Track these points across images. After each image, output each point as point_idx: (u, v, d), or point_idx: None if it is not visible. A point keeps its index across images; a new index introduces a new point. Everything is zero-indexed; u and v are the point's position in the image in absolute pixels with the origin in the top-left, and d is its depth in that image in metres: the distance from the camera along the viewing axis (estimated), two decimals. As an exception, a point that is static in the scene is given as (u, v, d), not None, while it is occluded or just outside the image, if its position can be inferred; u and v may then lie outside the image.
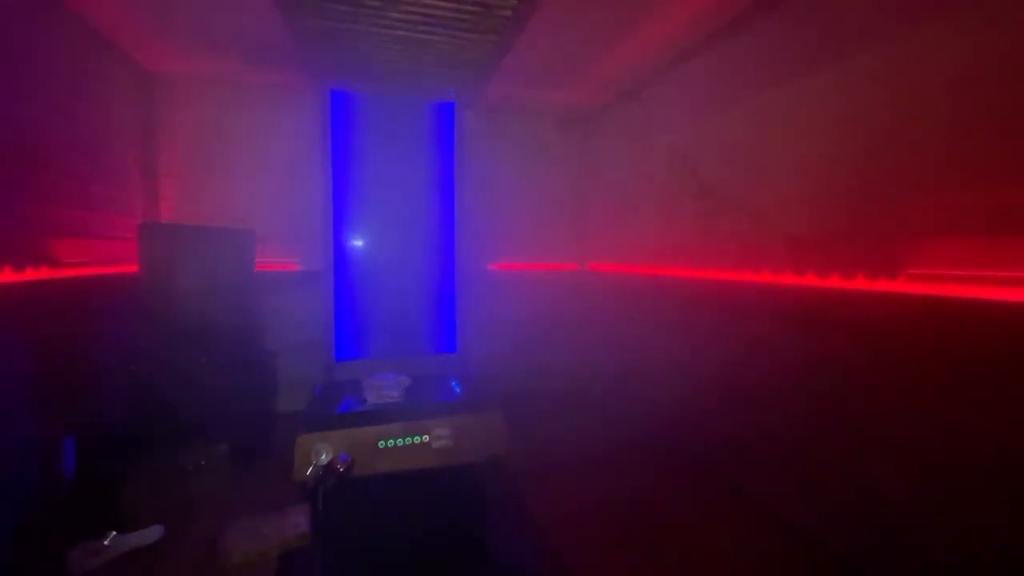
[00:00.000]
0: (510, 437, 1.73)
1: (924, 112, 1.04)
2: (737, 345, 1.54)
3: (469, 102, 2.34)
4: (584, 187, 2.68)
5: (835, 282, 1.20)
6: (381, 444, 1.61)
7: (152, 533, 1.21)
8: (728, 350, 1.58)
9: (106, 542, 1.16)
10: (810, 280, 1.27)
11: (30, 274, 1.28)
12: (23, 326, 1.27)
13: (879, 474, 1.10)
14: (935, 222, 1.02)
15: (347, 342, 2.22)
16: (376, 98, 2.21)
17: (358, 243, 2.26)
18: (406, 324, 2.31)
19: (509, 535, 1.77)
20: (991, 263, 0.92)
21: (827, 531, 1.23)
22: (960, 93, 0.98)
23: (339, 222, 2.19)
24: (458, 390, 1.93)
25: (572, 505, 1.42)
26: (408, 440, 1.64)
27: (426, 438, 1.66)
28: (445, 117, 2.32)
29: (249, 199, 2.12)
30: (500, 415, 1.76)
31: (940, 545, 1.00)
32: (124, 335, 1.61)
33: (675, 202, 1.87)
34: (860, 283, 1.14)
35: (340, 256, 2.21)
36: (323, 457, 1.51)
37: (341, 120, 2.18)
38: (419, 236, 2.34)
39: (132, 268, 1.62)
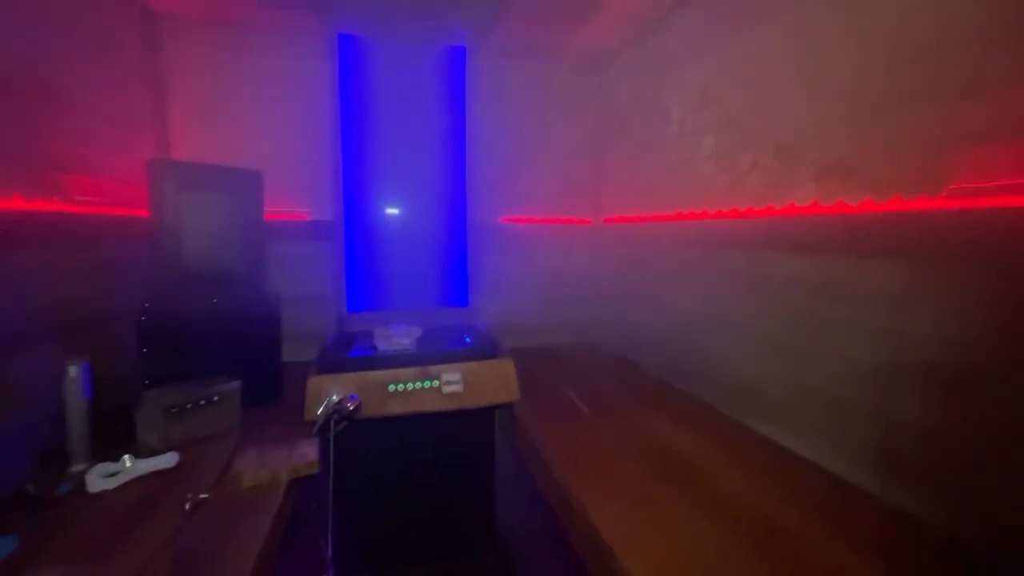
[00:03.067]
0: (520, 385, 1.72)
1: (964, 10, 0.94)
2: (763, 284, 1.47)
3: (480, 47, 2.26)
4: (599, 136, 2.58)
5: (868, 206, 1.12)
6: (391, 387, 1.62)
7: (168, 459, 1.23)
8: (753, 290, 1.51)
9: (127, 463, 1.18)
10: (840, 207, 1.18)
11: (40, 204, 1.28)
12: (37, 254, 1.30)
13: (914, 411, 1.04)
14: (984, 128, 0.93)
15: (359, 294, 2.22)
16: (384, 42, 2.14)
17: (369, 193, 2.23)
18: (418, 277, 2.29)
19: (517, 476, 1.77)
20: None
21: (855, 474, 1.18)
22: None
23: (348, 172, 2.16)
24: (469, 340, 1.92)
25: (584, 451, 1.39)
26: (418, 384, 1.64)
27: (436, 383, 1.65)
28: (456, 63, 2.24)
29: (258, 147, 2.10)
30: (510, 363, 1.75)
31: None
32: (137, 273, 1.63)
33: (694, 139, 1.78)
34: (896, 204, 1.06)
35: (351, 206, 2.18)
36: (333, 397, 1.52)
37: (349, 65, 2.12)
38: (430, 187, 2.30)
39: (143, 212, 1.63)
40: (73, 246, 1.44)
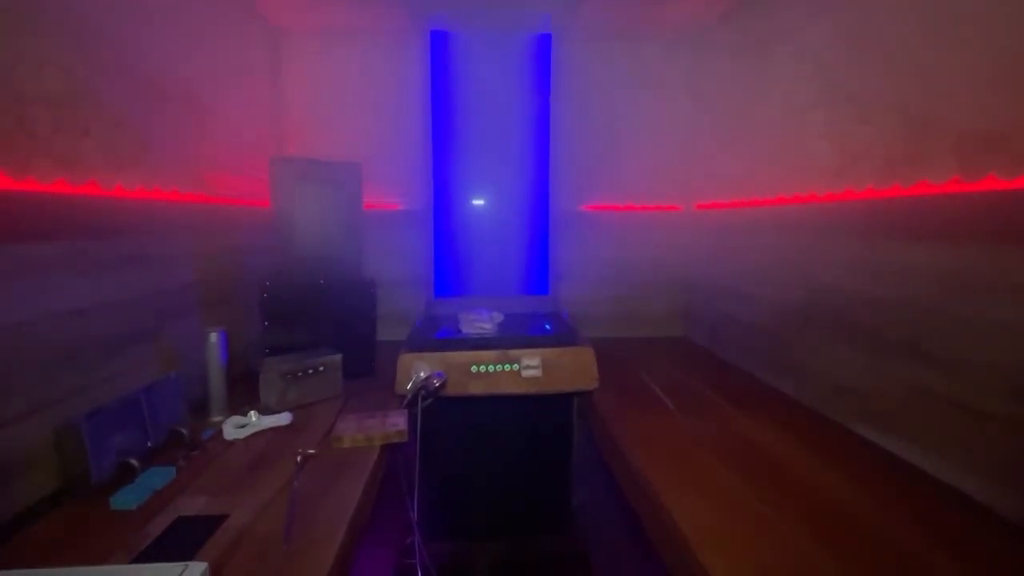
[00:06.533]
0: (601, 375, 1.70)
1: None
2: (880, 273, 1.30)
3: (566, 31, 2.24)
4: (690, 118, 2.43)
5: (1026, 181, 0.94)
6: (474, 369, 1.69)
7: (284, 418, 1.41)
8: (867, 280, 1.35)
9: (253, 419, 1.38)
10: (989, 183, 1.01)
11: (190, 197, 1.53)
12: (188, 239, 1.55)
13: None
14: None
15: (446, 280, 2.34)
16: (473, 36, 2.21)
17: (456, 184, 2.34)
18: (501, 265, 2.36)
19: (594, 463, 1.76)
20: None
21: (991, 495, 1.01)
22: None
23: (437, 164, 2.28)
24: (549, 327, 1.94)
25: (665, 444, 1.34)
26: (499, 367, 1.70)
27: (515, 367, 1.69)
28: (542, 51, 2.25)
29: (358, 143, 2.28)
30: (590, 350, 1.74)
31: None
32: (259, 256, 1.88)
33: (801, 116, 1.61)
34: (1066, 177, 0.88)
35: (439, 197, 2.30)
36: (421, 374, 1.63)
37: (440, 61, 2.23)
38: (514, 177, 2.34)
39: (264, 203, 1.86)
40: (212, 233, 1.70)
